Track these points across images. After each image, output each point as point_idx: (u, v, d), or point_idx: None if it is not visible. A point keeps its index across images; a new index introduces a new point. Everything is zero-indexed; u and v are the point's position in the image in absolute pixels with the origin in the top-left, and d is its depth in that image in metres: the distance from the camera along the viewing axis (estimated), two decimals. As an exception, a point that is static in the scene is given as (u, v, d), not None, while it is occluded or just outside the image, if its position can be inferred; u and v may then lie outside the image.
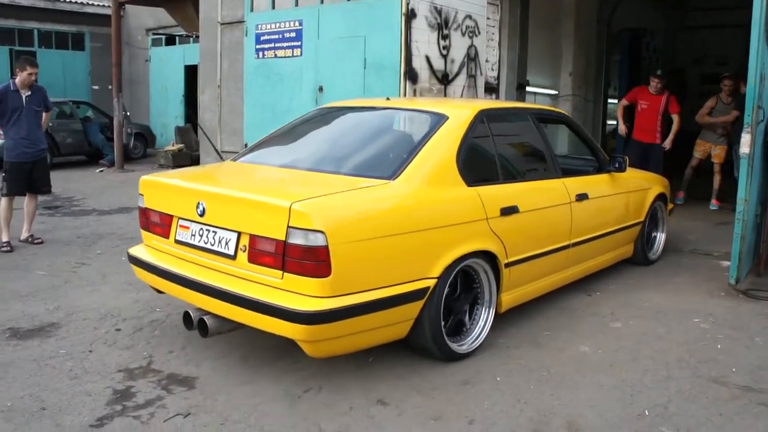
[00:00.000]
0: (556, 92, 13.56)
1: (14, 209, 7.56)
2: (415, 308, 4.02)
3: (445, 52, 8.61)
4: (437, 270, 4.09)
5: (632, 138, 10.19)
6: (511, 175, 5.13)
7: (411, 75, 8.01)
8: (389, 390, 3.92)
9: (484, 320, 4.60)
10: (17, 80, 7.56)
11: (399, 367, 4.20)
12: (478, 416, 3.63)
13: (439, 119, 4.67)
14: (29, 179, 7.62)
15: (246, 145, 11.32)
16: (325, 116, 5.59)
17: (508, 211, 4.64)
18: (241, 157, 5.17)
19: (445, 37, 8.69)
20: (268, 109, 10.80)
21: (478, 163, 4.76)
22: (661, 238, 7.25)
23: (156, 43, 21.05)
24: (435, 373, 4.18)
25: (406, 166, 4.22)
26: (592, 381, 4.11)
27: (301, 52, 10.27)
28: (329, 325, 3.60)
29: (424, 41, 8.44)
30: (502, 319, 4.92)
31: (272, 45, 10.79)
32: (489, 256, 4.52)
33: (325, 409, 3.69)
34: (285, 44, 10.60)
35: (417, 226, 4.03)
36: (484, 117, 4.87)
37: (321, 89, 9.82)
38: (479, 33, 9.39)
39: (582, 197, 5.46)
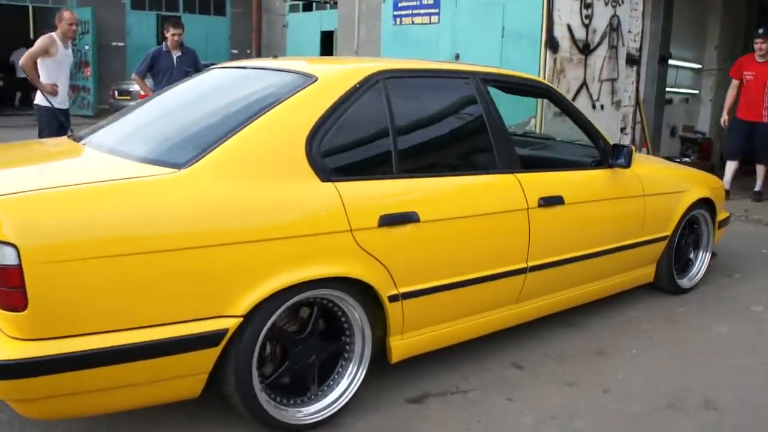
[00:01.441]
0: (700, 66, 13.03)
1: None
2: (202, 360, 2.77)
3: (587, 21, 8.42)
4: (243, 305, 2.79)
5: (736, 117, 8.89)
6: (418, 167, 3.54)
7: (552, 44, 7.89)
8: (523, 354, 3.98)
9: (349, 379, 3.25)
10: (168, 42, 7.96)
11: (533, 332, 4.23)
12: (612, 386, 3.64)
13: (302, 83, 3.30)
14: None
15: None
16: (199, 79, 4.22)
17: (396, 219, 3.21)
18: (88, 130, 3.84)
19: (588, 6, 8.48)
20: (404, 76, 10.87)
21: (354, 148, 3.39)
22: (702, 259, 5.40)
23: (293, 9, 21.50)
24: (569, 341, 4.21)
25: (211, 150, 2.91)
26: (732, 363, 4.01)
27: (439, 19, 10.27)
28: (30, 381, 2.48)
29: (566, 10, 8.28)
30: (632, 293, 4.89)
31: (410, 12, 10.83)
32: (360, 286, 3.15)
33: (461, 368, 3.77)
34: (422, 11, 10.62)
35: (203, 239, 2.71)
36: (380, 81, 3.41)
37: (457, 57, 9.80)
38: (622, 2, 9.11)
39: (551, 202, 3.88)
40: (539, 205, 3.80)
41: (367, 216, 3.13)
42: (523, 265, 3.80)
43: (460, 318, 3.65)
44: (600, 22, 8.70)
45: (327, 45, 18.03)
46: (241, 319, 2.79)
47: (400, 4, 11.00)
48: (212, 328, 2.73)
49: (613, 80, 8.85)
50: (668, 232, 4.89)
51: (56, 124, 7.17)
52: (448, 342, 3.66)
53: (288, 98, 3.18)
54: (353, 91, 3.30)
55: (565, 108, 4.50)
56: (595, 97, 8.52)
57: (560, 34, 8.09)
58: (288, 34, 21.28)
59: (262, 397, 2.96)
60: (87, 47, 18.37)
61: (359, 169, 3.33)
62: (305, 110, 3.17)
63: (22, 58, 7.18)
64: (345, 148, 3.30)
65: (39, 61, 7.11)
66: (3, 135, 12.31)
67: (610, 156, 4.39)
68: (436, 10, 10.33)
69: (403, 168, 3.39)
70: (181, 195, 2.77)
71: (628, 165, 4.35)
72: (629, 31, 9.20)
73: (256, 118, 3.06)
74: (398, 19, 11.05)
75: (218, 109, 3.43)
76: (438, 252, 3.43)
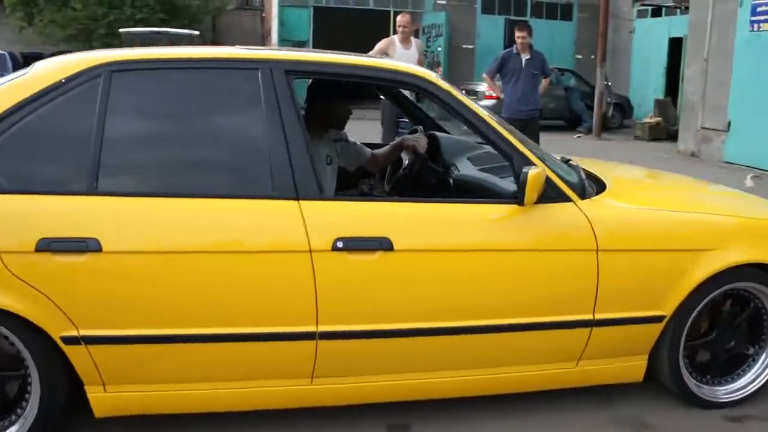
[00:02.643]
0: None
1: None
2: None
3: None
4: None
5: None
6: (126, 185, 2.82)
7: None
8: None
9: None
10: (517, 45, 8.40)
11: None
12: None
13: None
14: (521, 136, 8.42)
15: (729, 123, 11.04)
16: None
17: (64, 246, 2.60)
18: None
19: None
20: (760, 87, 10.33)
21: (33, 156, 2.76)
22: (762, 363, 3.43)
23: (641, 14, 21.05)
24: None
25: None
26: None
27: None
28: None
29: None
30: None
31: (769, 17, 10.29)
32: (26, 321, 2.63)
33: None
34: (786, 16, 10.05)
35: None
36: (102, 76, 2.78)
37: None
38: None
39: (361, 245, 2.80)
40: (336, 248, 2.75)
41: (20, 237, 2.59)
42: (311, 329, 2.80)
43: (210, 381, 2.87)
44: None
45: (675, 53, 17.49)
46: None
47: (758, 9, 10.48)
48: None
49: None
50: (664, 312, 3.15)
51: (394, 116, 8.12)
52: (200, 407, 2.93)
53: None
54: (54, 87, 2.75)
55: (453, 109, 3.08)
56: None
57: None
58: (634, 40, 20.92)
59: None
60: (440, 49, 19.69)
61: (31, 183, 2.71)
62: None
63: None
64: (20, 157, 2.72)
65: None
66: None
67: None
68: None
69: (106, 185, 2.71)
70: None
71: (521, 201, 2.88)
72: None
73: None
74: (756, 25, 10.52)
75: None
76: (138, 292, 2.70)
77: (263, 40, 24.73)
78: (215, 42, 25.06)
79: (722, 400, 3.37)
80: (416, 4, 20.60)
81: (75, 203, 2.68)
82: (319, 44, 20.89)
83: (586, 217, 3.00)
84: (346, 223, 2.82)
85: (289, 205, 2.77)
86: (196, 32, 15.48)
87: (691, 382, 3.30)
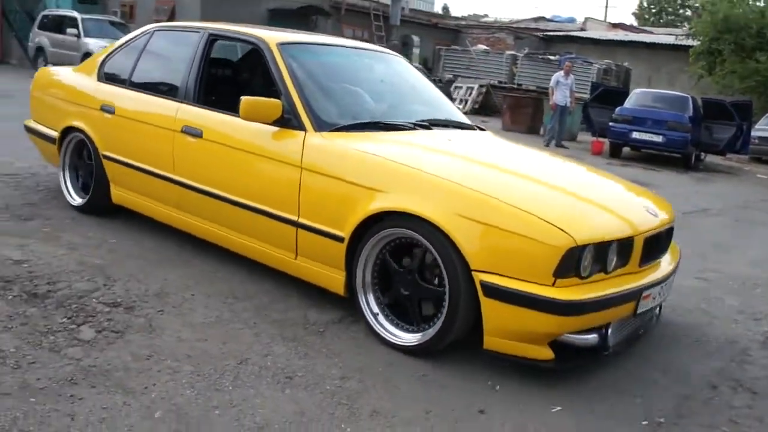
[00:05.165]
0: None
1: None
2: None
3: None
4: None
5: None
6: (148, 86, 5.16)
7: None
8: None
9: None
10: None
11: None
12: None
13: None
14: None
15: None
16: None
17: (105, 108, 5.19)
18: None
19: None
20: None
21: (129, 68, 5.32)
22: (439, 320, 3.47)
23: None
24: None
25: None
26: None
27: None
28: None
29: None
30: None
31: None
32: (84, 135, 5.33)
33: None
34: None
35: None
36: (153, 33, 5.36)
37: None
38: None
39: (190, 132, 4.61)
40: (182, 131, 4.63)
41: (96, 102, 5.29)
42: (171, 175, 4.73)
43: (145, 197, 5.03)
44: None
45: None
46: None
47: None
48: None
49: None
50: (343, 233, 3.74)
51: None
52: (140, 209, 5.13)
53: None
54: (141, 35, 5.43)
55: (270, 69, 4.42)
56: None
57: None
58: None
59: None
60: None
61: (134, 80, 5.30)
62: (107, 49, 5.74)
63: None
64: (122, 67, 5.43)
65: None
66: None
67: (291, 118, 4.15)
68: None
69: (137, 78, 5.25)
70: None
71: (241, 116, 4.14)
72: None
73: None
74: None
75: None
76: (126, 134, 5.06)
77: None
78: None
79: (393, 341, 3.60)
80: None
81: (118, 88, 5.29)
82: None
83: (303, 142, 3.99)
84: (189, 118, 4.65)
85: (174, 105, 4.79)
86: None
87: (368, 312, 3.73)
